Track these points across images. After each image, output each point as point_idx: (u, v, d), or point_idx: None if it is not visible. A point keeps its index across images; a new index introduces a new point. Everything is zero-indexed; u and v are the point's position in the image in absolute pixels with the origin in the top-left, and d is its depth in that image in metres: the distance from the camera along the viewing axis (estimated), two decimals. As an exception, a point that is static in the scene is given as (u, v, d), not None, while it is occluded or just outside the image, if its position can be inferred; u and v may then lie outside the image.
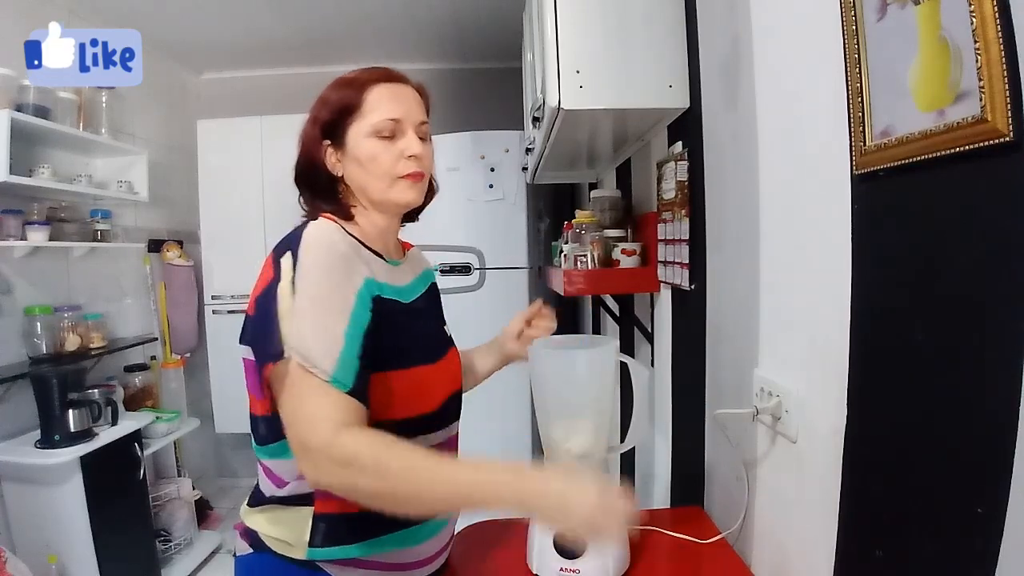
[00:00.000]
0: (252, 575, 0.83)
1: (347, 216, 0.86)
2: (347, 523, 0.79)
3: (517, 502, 0.68)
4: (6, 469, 2.00)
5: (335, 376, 0.69)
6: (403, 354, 0.80)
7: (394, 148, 0.83)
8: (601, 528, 0.66)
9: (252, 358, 0.77)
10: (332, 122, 0.84)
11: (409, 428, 0.78)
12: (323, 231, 0.77)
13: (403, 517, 0.75)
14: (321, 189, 0.87)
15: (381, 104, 0.83)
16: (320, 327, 0.70)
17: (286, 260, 0.74)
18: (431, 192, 0.98)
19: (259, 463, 0.84)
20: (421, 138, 0.86)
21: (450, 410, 0.89)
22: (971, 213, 0.55)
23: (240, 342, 0.80)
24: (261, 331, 0.73)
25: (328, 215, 0.84)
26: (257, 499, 0.84)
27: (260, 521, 0.82)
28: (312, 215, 0.85)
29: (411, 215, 0.98)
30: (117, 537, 2.12)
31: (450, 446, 0.91)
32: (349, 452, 0.66)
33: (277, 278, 0.73)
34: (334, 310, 0.72)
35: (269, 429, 0.79)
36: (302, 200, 0.90)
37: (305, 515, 0.79)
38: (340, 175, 0.86)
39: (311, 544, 0.78)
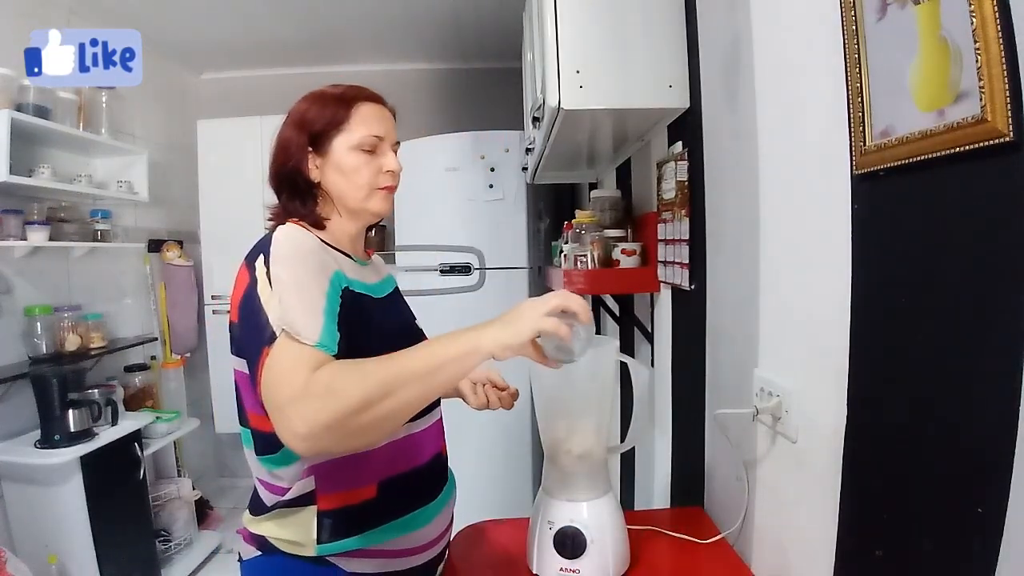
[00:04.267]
0: None
1: (316, 222, 0.90)
2: (349, 516, 0.83)
3: (474, 339, 0.69)
4: (6, 469, 2.00)
5: (321, 342, 0.70)
6: (376, 344, 0.80)
7: (375, 162, 0.90)
8: (553, 303, 0.71)
9: (246, 371, 0.78)
10: (320, 132, 0.89)
11: None
12: (290, 231, 0.83)
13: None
14: (300, 193, 0.91)
15: (368, 122, 0.89)
16: (301, 305, 0.73)
17: (259, 261, 0.77)
18: None
19: (257, 477, 0.86)
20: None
21: None
22: (971, 213, 0.55)
23: (232, 353, 0.82)
24: (250, 328, 0.75)
25: (296, 221, 0.88)
26: (259, 508, 0.86)
27: (267, 526, 0.85)
28: (281, 220, 0.89)
29: (374, 224, 1.01)
30: (117, 537, 2.12)
31: (435, 431, 0.96)
32: (326, 379, 0.66)
33: (254, 280, 0.76)
34: (312, 291, 0.75)
35: (273, 441, 0.79)
36: (277, 204, 0.93)
37: (310, 514, 0.82)
38: (318, 181, 0.90)
39: (319, 541, 0.82)
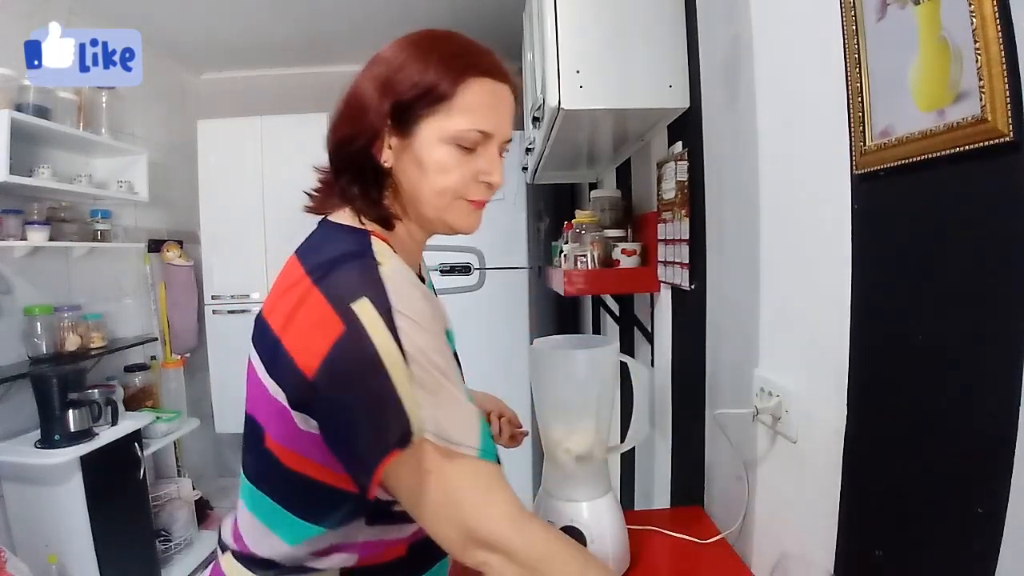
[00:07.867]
0: None
1: (384, 219, 0.70)
2: (372, 574, 0.71)
3: None
4: (6, 469, 2.00)
5: (483, 448, 0.60)
6: None
7: (471, 165, 0.68)
8: None
9: (285, 404, 0.62)
10: (408, 104, 0.66)
11: None
12: (398, 269, 0.63)
13: None
14: (364, 179, 0.69)
15: (476, 109, 0.67)
16: (450, 400, 0.60)
17: (365, 309, 0.57)
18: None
19: (272, 531, 0.68)
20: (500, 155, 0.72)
21: None
22: (971, 213, 0.55)
23: (294, 407, 0.61)
24: (366, 412, 0.58)
25: (375, 231, 0.69)
26: (265, 565, 0.69)
27: None
28: (323, 205, 0.72)
29: None
30: (117, 537, 2.12)
31: None
32: (534, 555, 0.59)
33: (357, 333, 0.57)
34: (452, 374, 0.61)
35: (330, 502, 0.66)
36: (325, 179, 0.73)
37: (332, 574, 0.69)
38: (389, 167, 0.69)
39: None
